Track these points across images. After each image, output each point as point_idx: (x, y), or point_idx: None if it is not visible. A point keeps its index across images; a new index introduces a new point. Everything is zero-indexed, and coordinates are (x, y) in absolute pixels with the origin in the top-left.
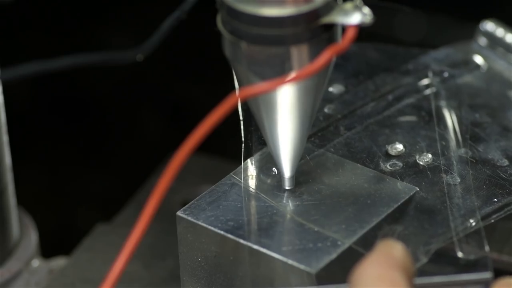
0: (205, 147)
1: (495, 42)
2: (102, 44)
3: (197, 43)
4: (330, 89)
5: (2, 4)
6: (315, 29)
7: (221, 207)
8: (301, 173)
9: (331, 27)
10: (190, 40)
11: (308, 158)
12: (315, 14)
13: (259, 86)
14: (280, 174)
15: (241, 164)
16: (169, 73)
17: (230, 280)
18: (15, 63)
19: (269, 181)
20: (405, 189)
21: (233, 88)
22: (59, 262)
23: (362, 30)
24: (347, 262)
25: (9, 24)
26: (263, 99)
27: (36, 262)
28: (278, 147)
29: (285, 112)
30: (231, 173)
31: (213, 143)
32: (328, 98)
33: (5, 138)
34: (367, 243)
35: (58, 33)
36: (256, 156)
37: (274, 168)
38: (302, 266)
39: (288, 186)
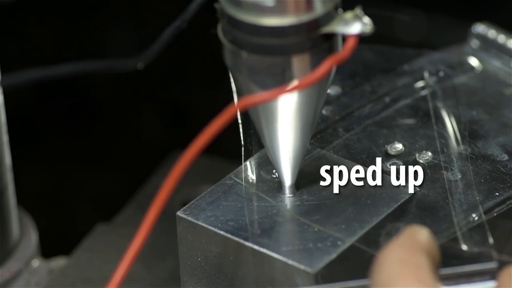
0: (205, 147)
1: (487, 44)
2: (103, 47)
3: (197, 43)
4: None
5: (2, 4)
6: (315, 39)
7: (221, 207)
8: (301, 173)
9: (331, 36)
10: (191, 40)
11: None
12: (316, 23)
13: (259, 96)
14: (280, 181)
15: (241, 165)
16: (169, 73)
17: (230, 280)
18: (15, 65)
19: (269, 181)
20: (405, 189)
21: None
22: (59, 262)
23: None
24: (347, 262)
25: (9, 26)
26: (263, 108)
27: (36, 262)
28: (278, 155)
29: (285, 121)
30: (231, 174)
31: (213, 143)
32: (326, 100)
33: (5, 138)
34: (367, 243)
35: (59, 34)
36: (256, 157)
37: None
38: (302, 266)
39: (289, 194)
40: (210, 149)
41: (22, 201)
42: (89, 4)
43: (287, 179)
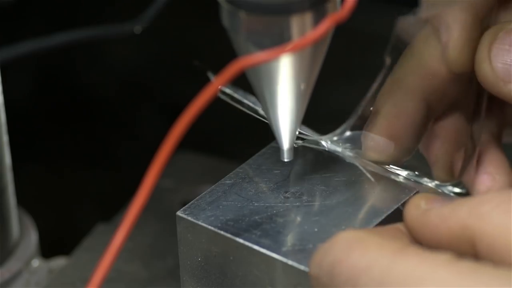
0: (205, 147)
1: None
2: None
3: (197, 43)
4: None
5: (2, 5)
6: None
7: (221, 207)
8: (301, 174)
9: None
10: (190, 40)
11: (308, 158)
12: None
13: (258, 56)
14: (279, 146)
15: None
16: (169, 73)
17: (230, 280)
18: (16, 64)
19: (269, 183)
20: (405, 189)
21: (234, 87)
22: (59, 262)
23: (363, 31)
24: None
25: (9, 26)
26: (263, 69)
27: (36, 262)
28: (277, 118)
29: (285, 82)
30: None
31: (213, 143)
32: None
33: (5, 138)
34: None
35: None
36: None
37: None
38: (302, 267)
39: (287, 158)
40: (210, 149)
41: (22, 201)
42: (90, 5)
43: (286, 142)
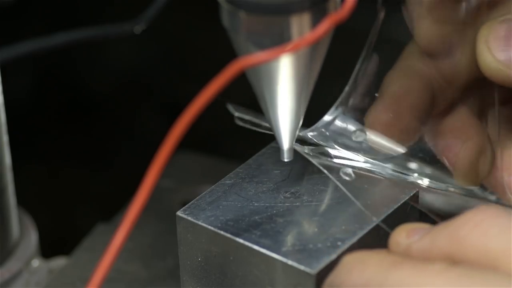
0: (205, 147)
1: None
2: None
3: (197, 43)
4: None
5: (2, 5)
6: None
7: (221, 207)
8: (301, 174)
9: None
10: (190, 40)
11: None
12: None
13: (258, 56)
14: (279, 146)
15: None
16: (169, 72)
17: (230, 280)
18: (16, 65)
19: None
20: (405, 189)
21: (234, 87)
22: (59, 262)
23: (363, 31)
24: None
25: (9, 26)
26: (263, 69)
27: (36, 262)
28: (277, 118)
29: (285, 82)
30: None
31: (213, 143)
32: None
33: (5, 138)
34: (367, 243)
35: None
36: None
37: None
38: (302, 267)
39: (287, 158)
40: (210, 149)
41: (22, 201)
42: (90, 5)
43: (286, 141)
